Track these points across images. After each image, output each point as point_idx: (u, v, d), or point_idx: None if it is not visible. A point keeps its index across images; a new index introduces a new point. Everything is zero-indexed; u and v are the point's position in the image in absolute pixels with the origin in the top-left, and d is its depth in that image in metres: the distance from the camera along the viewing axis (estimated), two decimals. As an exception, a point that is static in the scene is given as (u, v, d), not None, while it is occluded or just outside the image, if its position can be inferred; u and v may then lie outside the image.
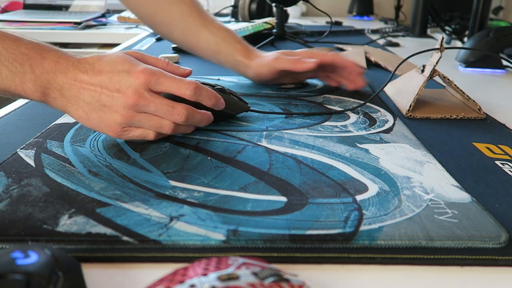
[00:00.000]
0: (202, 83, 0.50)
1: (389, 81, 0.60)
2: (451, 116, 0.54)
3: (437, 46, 0.56)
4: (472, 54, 0.83)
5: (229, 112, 0.49)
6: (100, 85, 0.39)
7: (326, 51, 0.95)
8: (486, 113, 0.55)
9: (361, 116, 0.52)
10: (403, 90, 0.60)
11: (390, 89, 0.64)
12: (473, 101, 0.55)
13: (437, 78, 0.73)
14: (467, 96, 0.56)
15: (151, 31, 1.25)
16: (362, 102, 0.58)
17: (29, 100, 0.58)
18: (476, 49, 0.82)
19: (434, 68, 0.55)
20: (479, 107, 0.55)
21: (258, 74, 0.63)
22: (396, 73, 0.75)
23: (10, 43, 0.38)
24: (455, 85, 0.56)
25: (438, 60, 0.55)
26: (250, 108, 0.52)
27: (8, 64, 0.37)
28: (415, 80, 0.58)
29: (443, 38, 0.56)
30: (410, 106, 0.54)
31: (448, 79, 0.56)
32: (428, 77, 0.55)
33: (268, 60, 0.61)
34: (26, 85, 0.38)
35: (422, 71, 0.59)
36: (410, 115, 0.54)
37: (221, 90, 0.50)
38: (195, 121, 0.43)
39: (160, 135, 0.43)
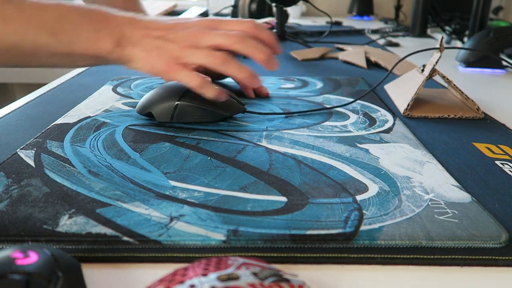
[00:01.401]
0: None
1: (385, 79, 0.60)
2: (448, 116, 0.54)
3: (437, 45, 0.56)
4: (472, 54, 0.83)
5: (224, 113, 0.49)
6: (165, 27, 0.45)
7: (325, 51, 0.95)
8: (486, 113, 0.55)
9: (361, 116, 0.52)
10: (402, 89, 0.60)
11: (391, 89, 0.64)
12: (472, 100, 0.55)
13: (438, 78, 0.74)
14: (466, 95, 0.56)
15: None
16: (362, 102, 0.58)
17: (29, 100, 0.58)
18: (476, 49, 0.82)
19: (433, 67, 0.55)
20: (478, 106, 0.54)
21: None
22: (396, 73, 0.75)
23: (75, 11, 0.42)
24: (454, 84, 0.56)
25: (438, 60, 0.55)
26: (247, 110, 0.52)
27: (87, 26, 0.42)
28: (415, 80, 0.58)
29: (442, 38, 0.56)
30: (408, 105, 0.54)
31: (448, 79, 0.56)
32: (427, 77, 0.55)
33: None
34: (103, 40, 0.42)
35: (423, 70, 0.59)
36: (408, 114, 0.54)
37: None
38: (231, 70, 0.45)
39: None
